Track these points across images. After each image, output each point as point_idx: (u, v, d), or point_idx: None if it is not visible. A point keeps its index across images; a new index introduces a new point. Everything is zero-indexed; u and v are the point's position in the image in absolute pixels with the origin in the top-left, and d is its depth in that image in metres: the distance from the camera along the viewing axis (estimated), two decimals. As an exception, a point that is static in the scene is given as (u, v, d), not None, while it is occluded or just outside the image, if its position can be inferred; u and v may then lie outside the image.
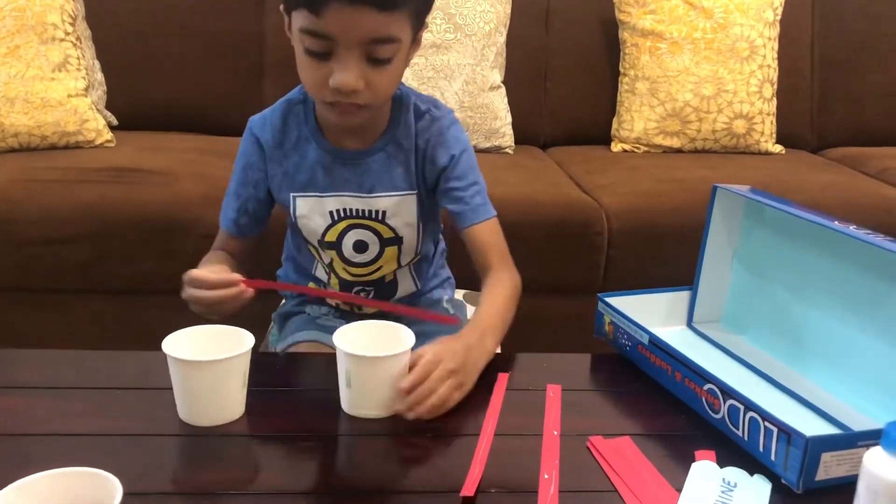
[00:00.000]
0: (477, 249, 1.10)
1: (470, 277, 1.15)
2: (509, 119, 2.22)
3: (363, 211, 1.10)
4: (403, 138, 1.10)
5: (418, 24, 0.99)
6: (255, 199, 1.13)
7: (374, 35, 0.93)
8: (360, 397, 0.88)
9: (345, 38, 0.92)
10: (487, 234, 1.10)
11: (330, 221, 1.11)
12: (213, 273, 0.95)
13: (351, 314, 1.22)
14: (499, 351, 1.27)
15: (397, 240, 1.13)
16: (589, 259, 1.79)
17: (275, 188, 1.12)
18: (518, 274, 1.10)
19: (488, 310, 1.03)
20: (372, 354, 0.86)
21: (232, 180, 1.14)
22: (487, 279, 1.08)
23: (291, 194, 1.11)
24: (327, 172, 1.09)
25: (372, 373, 0.87)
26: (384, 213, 1.10)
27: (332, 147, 1.09)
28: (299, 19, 0.94)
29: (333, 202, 1.10)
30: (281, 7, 0.98)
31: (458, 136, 1.12)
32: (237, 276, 0.94)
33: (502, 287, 1.07)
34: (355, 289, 1.18)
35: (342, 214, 1.10)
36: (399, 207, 1.11)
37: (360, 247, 1.12)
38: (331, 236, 1.12)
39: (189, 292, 0.95)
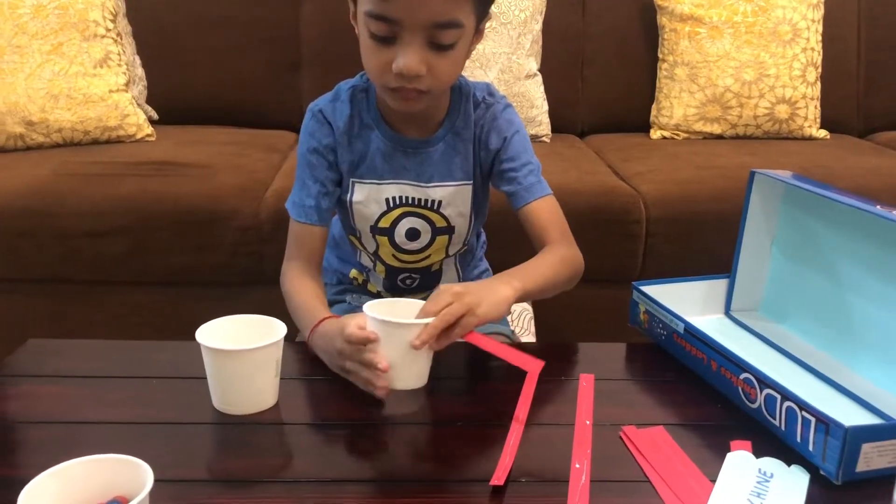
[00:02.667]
0: (533, 227, 1.09)
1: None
2: (546, 107, 2.21)
3: (419, 200, 1.11)
4: (463, 128, 1.10)
5: (482, 11, 0.99)
6: (333, 181, 1.11)
7: (439, 19, 0.93)
8: (395, 374, 0.87)
9: (409, 21, 0.92)
10: (543, 211, 1.10)
11: (385, 208, 1.11)
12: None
13: None
14: (534, 339, 1.27)
15: (449, 229, 1.13)
16: (627, 247, 1.77)
17: (343, 173, 1.11)
18: (579, 252, 1.09)
19: (529, 262, 1.03)
20: (395, 321, 0.86)
21: (300, 171, 1.11)
22: (542, 251, 1.07)
23: (351, 180, 1.11)
24: (387, 160, 1.10)
25: (398, 342, 0.85)
26: (440, 202, 1.11)
27: (393, 135, 1.09)
28: (365, 3, 0.94)
29: (391, 189, 1.10)
30: None
31: (511, 119, 1.12)
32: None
33: (551, 253, 1.06)
34: (401, 276, 1.18)
35: (398, 202, 1.11)
36: (454, 197, 1.12)
37: (413, 234, 1.13)
38: (384, 223, 1.12)
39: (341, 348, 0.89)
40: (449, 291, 0.89)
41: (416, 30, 0.93)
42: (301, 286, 1.06)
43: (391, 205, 1.11)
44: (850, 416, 0.86)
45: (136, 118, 2.00)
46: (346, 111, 1.09)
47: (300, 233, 1.11)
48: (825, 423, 0.74)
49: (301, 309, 1.02)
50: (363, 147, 1.10)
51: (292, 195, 1.13)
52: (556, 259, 1.05)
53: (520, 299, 0.97)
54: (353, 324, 0.87)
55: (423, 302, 0.90)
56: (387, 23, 0.93)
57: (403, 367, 0.87)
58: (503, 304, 0.93)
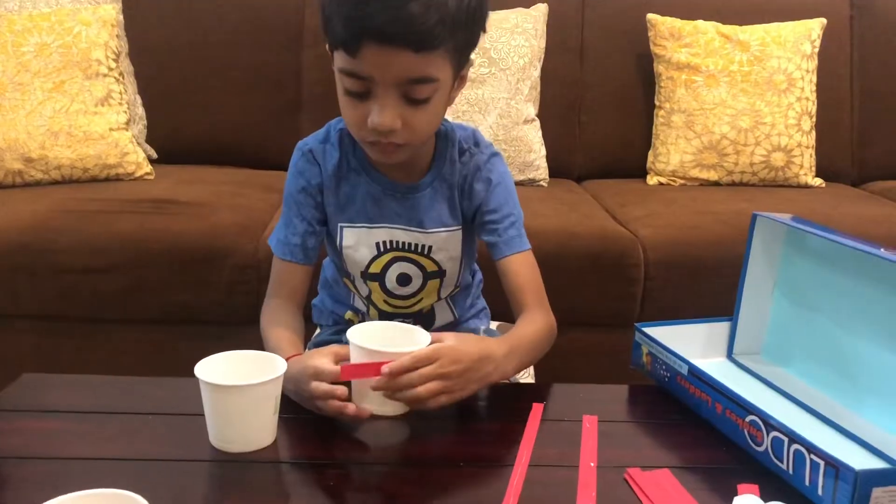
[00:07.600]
0: (511, 284, 1.08)
1: (505, 311, 1.13)
2: (543, 152, 2.22)
3: (411, 245, 1.10)
4: (449, 174, 1.10)
5: (460, 62, 0.98)
6: (319, 221, 1.11)
7: (411, 75, 0.92)
8: (367, 394, 0.88)
9: (381, 78, 0.92)
10: (521, 266, 1.09)
11: (376, 253, 1.11)
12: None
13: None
14: (532, 381, 1.26)
15: (440, 273, 1.13)
16: (625, 291, 1.76)
17: (328, 215, 1.11)
18: (553, 317, 1.08)
19: (524, 332, 1.02)
20: (375, 348, 0.87)
21: (286, 209, 1.12)
22: (523, 317, 1.06)
23: (339, 224, 1.10)
24: (377, 204, 1.09)
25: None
26: (430, 247, 1.11)
27: (383, 179, 1.09)
28: (338, 59, 0.95)
29: (382, 234, 1.10)
30: (326, 46, 0.98)
31: (493, 170, 1.11)
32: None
33: (536, 325, 1.05)
34: (394, 320, 1.17)
35: (389, 247, 1.10)
36: (446, 242, 1.11)
37: (404, 280, 1.12)
38: (375, 268, 1.11)
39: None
40: (437, 372, 0.86)
41: (389, 86, 0.92)
42: (273, 327, 1.05)
43: (381, 249, 1.11)
44: (856, 459, 0.85)
45: (135, 156, 2.00)
46: (335, 155, 1.09)
47: (283, 271, 1.11)
48: (835, 467, 0.73)
49: (268, 350, 1.01)
50: (350, 190, 1.10)
51: (276, 233, 1.12)
52: (544, 337, 1.05)
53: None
54: (323, 371, 0.88)
55: (412, 327, 0.94)
56: (359, 79, 0.93)
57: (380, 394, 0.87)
58: (481, 389, 0.95)
